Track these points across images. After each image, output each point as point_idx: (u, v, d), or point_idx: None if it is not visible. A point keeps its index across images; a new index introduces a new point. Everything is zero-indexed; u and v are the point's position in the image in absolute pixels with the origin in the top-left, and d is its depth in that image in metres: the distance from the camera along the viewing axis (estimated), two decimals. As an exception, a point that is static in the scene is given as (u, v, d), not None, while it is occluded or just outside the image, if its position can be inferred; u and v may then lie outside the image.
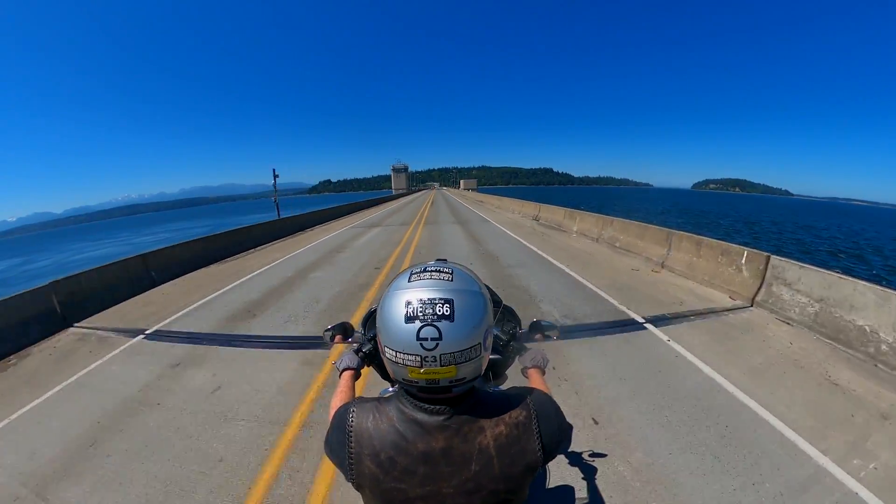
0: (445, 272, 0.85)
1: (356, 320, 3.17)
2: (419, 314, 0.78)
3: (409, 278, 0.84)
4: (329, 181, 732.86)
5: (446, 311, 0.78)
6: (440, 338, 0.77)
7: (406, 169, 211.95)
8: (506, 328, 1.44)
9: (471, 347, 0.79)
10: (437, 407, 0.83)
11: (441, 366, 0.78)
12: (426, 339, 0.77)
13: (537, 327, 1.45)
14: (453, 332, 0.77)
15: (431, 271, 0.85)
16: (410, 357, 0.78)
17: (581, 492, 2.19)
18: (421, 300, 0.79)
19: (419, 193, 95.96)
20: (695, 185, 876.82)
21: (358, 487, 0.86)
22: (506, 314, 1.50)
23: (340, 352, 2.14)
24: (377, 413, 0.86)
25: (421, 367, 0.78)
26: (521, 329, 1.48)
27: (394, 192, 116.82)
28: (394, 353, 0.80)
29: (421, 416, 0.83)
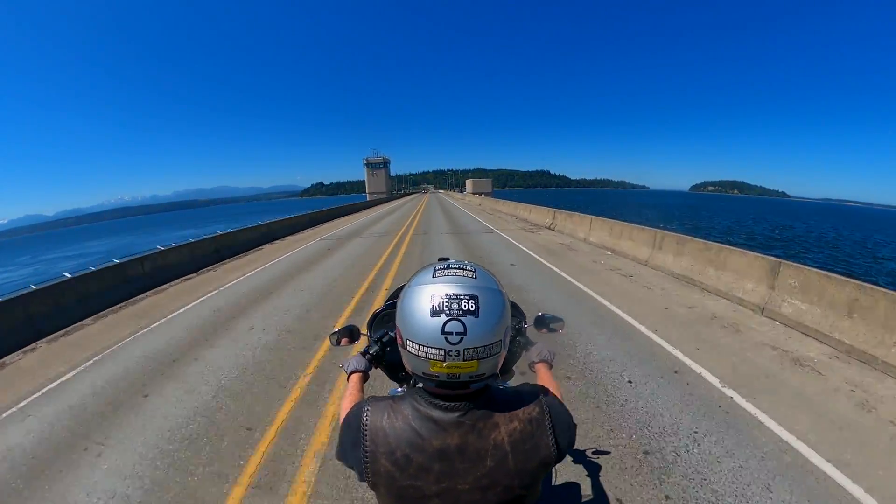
0: (469, 270, 0.86)
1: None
2: (445, 308, 0.78)
3: (434, 274, 0.85)
4: (321, 184, 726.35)
5: (472, 306, 0.79)
6: (465, 332, 0.78)
7: (386, 164, 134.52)
8: (511, 323, 1.30)
9: (493, 343, 0.81)
10: (453, 403, 0.84)
11: (464, 360, 0.79)
12: (451, 334, 0.78)
13: (542, 321, 1.49)
14: (478, 327, 0.79)
15: (455, 268, 0.86)
16: (434, 350, 0.79)
17: (586, 489, 2.24)
18: (447, 295, 0.80)
19: (405, 200, 70.07)
20: (693, 188, 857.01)
21: (373, 486, 0.85)
22: (511, 309, 1.40)
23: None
24: (392, 411, 0.86)
25: (444, 360, 0.79)
26: (526, 323, 1.50)
27: (368, 198, 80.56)
28: (417, 347, 0.81)
29: (436, 412, 0.84)
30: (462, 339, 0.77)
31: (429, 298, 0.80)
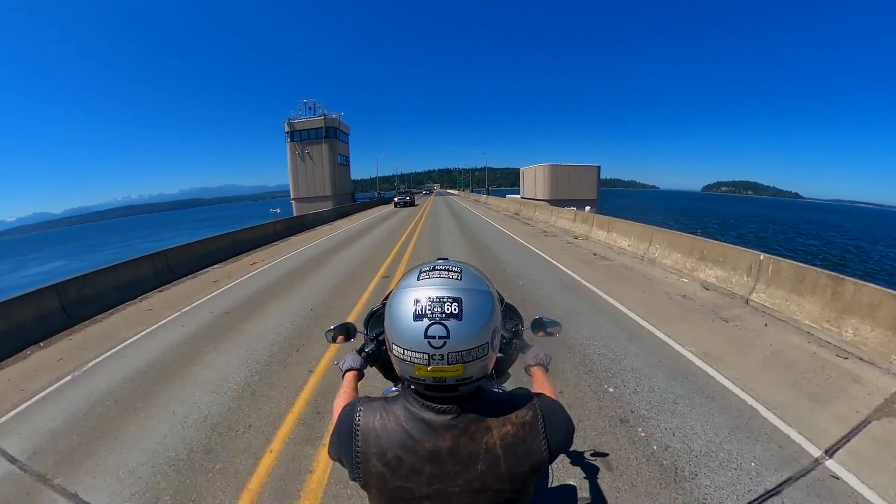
0: (454, 271, 0.84)
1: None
2: (427, 312, 0.77)
3: (419, 277, 0.84)
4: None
5: (454, 309, 0.78)
6: (448, 336, 0.77)
7: (331, 132, 44.04)
8: (508, 326, 1.43)
9: (478, 346, 0.79)
10: (445, 406, 0.83)
11: (448, 364, 0.78)
12: (434, 338, 0.77)
13: (539, 324, 1.46)
14: (461, 330, 0.77)
15: (440, 270, 0.84)
16: (418, 355, 0.78)
17: (583, 491, 2.23)
18: (430, 298, 0.78)
19: (369, 221, 21.61)
20: (705, 188, 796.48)
21: (364, 486, 0.86)
22: (507, 312, 1.48)
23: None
24: (384, 412, 0.86)
25: (428, 364, 0.78)
26: (523, 326, 1.49)
27: (295, 209, 41.67)
28: (402, 351, 0.80)
29: (428, 415, 0.83)
30: (445, 342, 0.76)
31: (412, 302, 0.79)
